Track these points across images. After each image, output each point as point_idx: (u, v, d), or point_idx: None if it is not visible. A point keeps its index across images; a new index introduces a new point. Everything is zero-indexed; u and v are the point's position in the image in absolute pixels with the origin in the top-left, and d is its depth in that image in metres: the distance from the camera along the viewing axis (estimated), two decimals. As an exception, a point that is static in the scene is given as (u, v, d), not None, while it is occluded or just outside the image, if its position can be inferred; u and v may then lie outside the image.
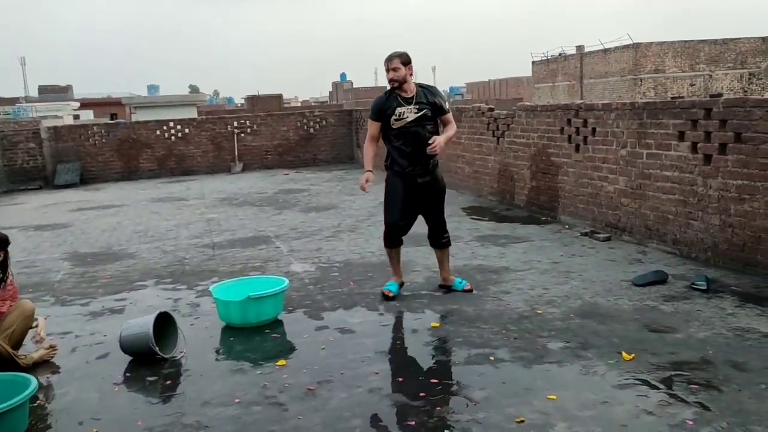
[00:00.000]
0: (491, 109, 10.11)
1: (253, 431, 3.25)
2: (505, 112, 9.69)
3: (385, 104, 5.19)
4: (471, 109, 10.75)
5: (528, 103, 10.88)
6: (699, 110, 5.78)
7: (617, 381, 3.57)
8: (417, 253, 6.79)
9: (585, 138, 7.48)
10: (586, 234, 7.14)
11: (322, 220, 9.15)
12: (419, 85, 5.24)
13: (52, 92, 52.83)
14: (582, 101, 8.21)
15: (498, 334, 4.38)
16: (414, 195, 5.30)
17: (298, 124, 17.86)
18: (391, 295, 5.30)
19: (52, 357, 4.31)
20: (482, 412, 3.29)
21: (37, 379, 3.53)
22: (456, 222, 8.45)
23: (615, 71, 37.55)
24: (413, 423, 3.22)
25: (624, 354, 3.88)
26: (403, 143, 5.17)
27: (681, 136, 6.00)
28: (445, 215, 5.54)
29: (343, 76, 61.76)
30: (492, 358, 3.98)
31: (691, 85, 35.87)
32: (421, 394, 3.52)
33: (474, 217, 8.83)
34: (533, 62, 47.66)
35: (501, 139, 9.61)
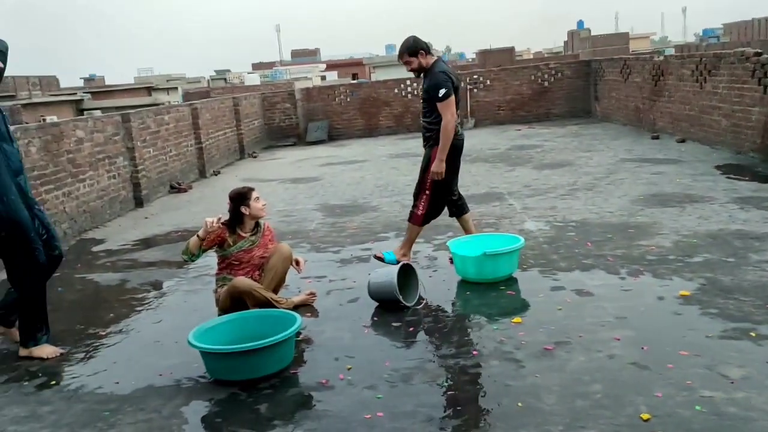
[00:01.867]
0: (758, 54, 8.89)
1: (490, 385, 3.35)
2: (776, 56, 8.46)
3: None
4: (732, 54, 9.56)
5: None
6: None
7: None
8: (663, 215, 6.34)
9: None
10: None
11: (556, 177, 8.92)
12: (430, 70, 5.19)
13: (303, 56, 57.73)
14: None
15: (761, 308, 3.94)
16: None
17: (532, 78, 17.42)
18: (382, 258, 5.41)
19: (312, 302, 4.80)
20: (740, 392, 3.02)
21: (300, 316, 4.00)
22: (710, 182, 7.70)
23: None
24: (659, 395, 3.06)
25: None
26: None
27: None
28: (416, 191, 5.45)
29: (580, 23, 58.41)
30: (753, 334, 3.60)
31: None
32: (669, 366, 3.33)
33: (731, 176, 7.94)
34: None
35: (769, 87, 8.43)
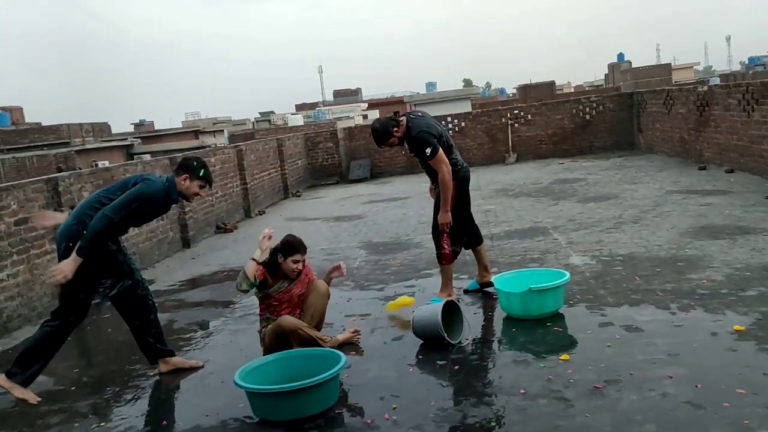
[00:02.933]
0: (807, 81, 8.67)
1: (540, 425, 3.28)
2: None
3: None
4: (780, 82, 9.34)
5: None
6: None
7: None
8: (713, 247, 6.17)
9: None
10: None
11: (601, 210, 8.78)
12: (408, 134, 5.24)
13: (345, 95, 58.73)
14: None
15: (822, 344, 3.78)
16: None
17: (573, 111, 17.32)
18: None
19: (358, 341, 4.78)
20: (803, 433, 2.89)
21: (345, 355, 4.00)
22: (762, 212, 7.49)
23: None
24: (717, 435, 2.95)
25: None
26: None
27: None
28: (434, 233, 5.46)
29: (620, 56, 58.08)
30: (814, 371, 3.45)
31: None
32: (725, 405, 3.20)
33: (785, 206, 7.69)
34: None
35: (821, 114, 8.20)
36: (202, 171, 4.40)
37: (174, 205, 4.55)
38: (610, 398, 3.44)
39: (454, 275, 5.61)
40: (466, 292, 5.65)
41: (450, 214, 5.23)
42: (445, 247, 5.35)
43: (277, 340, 4.38)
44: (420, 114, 5.53)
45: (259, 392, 3.65)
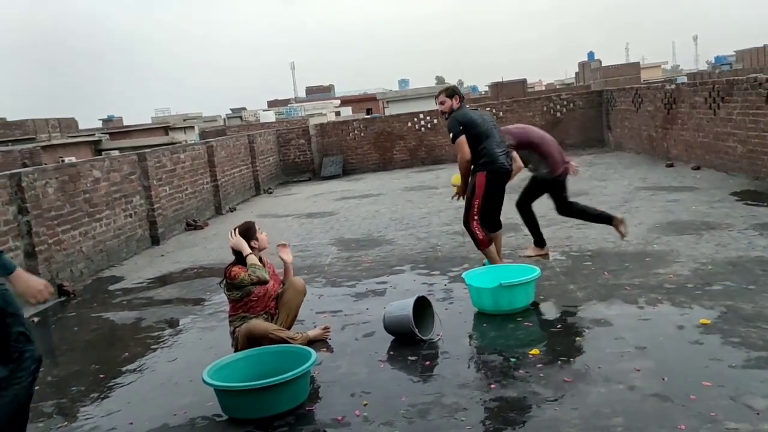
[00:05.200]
0: (771, 79, 8.86)
1: (510, 419, 3.28)
2: (788, 81, 8.43)
3: None
4: (745, 80, 9.54)
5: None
6: None
7: None
8: (680, 243, 6.27)
9: None
10: None
11: (572, 207, 8.85)
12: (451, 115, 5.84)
13: (317, 92, 58.49)
14: None
15: (784, 336, 3.86)
16: None
17: (545, 109, 17.49)
18: None
19: (327, 337, 4.77)
20: (766, 423, 2.94)
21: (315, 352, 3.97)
22: (727, 208, 7.62)
23: None
24: (683, 427, 2.99)
25: None
26: None
27: None
28: (465, 220, 5.84)
29: (591, 54, 58.76)
30: (777, 363, 3.52)
31: None
32: (692, 397, 3.25)
33: (749, 202, 7.86)
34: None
35: (784, 112, 8.39)
36: None
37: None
38: (579, 392, 3.47)
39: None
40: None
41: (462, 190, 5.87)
42: (478, 233, 5.70)
43: (249, 343, 4.33)
44: (473, 109, 6.08)
45: (227, 390, 3.60)
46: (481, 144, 5.63)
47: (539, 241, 6.33)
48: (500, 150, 5.69)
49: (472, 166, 5.70)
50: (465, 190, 5.84)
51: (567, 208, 6.31)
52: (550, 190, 6.28)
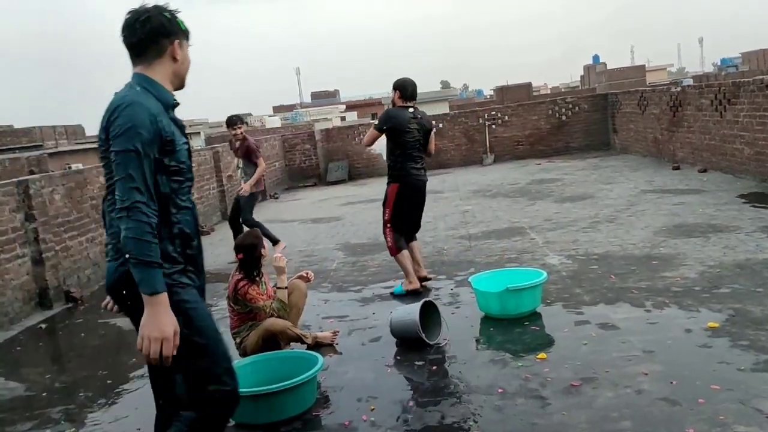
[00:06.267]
0: (777, 81, 8.83)
1: (517, 424, 3.28)
2: (795, 83, 8.40)
3: None
4: (751, 82, 9.51)
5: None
6: None
7: None
8: (687, 246, 6.24)
9: None
10: None
11: (577, 210, 8.85)
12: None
13: (323, 97, 58.56)
14: None
15: (793, 339, 3.83)
16: None
17: (549, 113, 17.47)
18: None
19: (335, 341, 4.77)
20: (776, 427, 2.92)
21: (322, 357, 3.97)
22: (734, 211, 7.59)
23: None
24: (691, 431, 2.97)
25: None
26: None
27: None
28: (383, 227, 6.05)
29: (596, 58, 58.70)
30: (786, 366, 3.50)
31: None
32: (700, 401, 3.23)
33: (757, 204, 7.82)
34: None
35: (790, 114, 8.35)
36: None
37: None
38: (587, 396, 3.45)
39: (423, 277, 5.65)
40: (393, 294, 5.86)
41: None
42: (388, 239, 5.89)
43: (264, 343, 4.33)
44: (417, 114, 5.87)
45: (235, 395, 3.60)
46: (398, 151, 5.74)
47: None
48: (416, 164, 5.83)
49: (389, 176, 5.93)
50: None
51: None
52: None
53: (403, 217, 5.88)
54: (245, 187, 8.12)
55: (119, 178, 2.21)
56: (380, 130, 5.75)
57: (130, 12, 2.41)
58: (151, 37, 2.39)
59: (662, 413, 3.18)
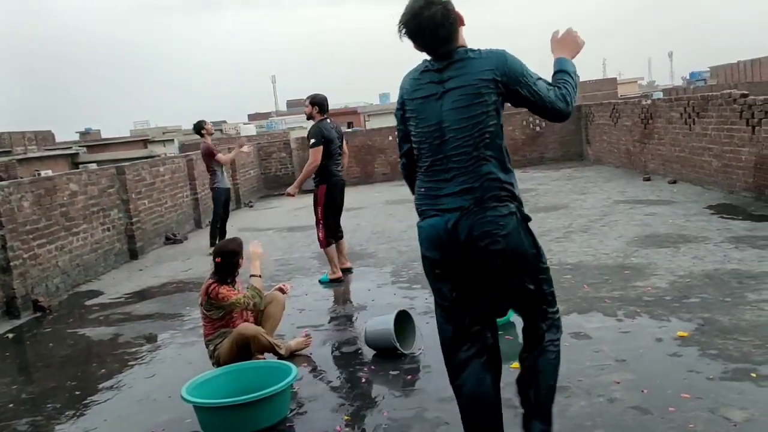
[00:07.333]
0: (744, 95, 9.05)
1: (491, 432, 3.28)
2: (762, 97, 8.61)
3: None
4: (720, 96, 9.72)
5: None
6: None
7: None
8: (658, 256, 6.34)
9: None
10: None
11: (551, 220, 8.94)
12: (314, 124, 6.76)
13: (298, 105, 58.38)
14: None
15: (760, 348, 3.91)
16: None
17: (524, 123, 17.64)
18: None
19: (308, 345, 4.75)
20: (744, 435, 2.97)
21: (296, 367, 3.94)
22: (703, 221, 7.73)
23: None
24: (662, 439, 3.01)
25: None
26: None
27: None
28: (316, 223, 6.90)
29: (568, 70, 59.48)
30: (754, 375, 3.56)
31: None
32: (671, 409, 3.27)
33: (724, 215, 7.98)
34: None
35: (757, 128, 8.56)
36: None
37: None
38: (560, 405, 3.47)
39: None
40: (320, 282, 6.80)
41: (298, 189, 6.94)
42: (320, 234, 6.72)
43: (238, 350, 4.27)
44: (331, 124, 6.77)
45: (207, 406, 3.55)
46: (325, 159, 6.55)
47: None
48: (337, 167, 6.72)
49: (316, 178, 6.65)
50: (299, 189, 6.95)
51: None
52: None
53: (331, 213, 6.73)
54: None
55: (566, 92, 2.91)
56: (321, 143, 6.50)
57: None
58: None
59: (634, 421, 3.21)
